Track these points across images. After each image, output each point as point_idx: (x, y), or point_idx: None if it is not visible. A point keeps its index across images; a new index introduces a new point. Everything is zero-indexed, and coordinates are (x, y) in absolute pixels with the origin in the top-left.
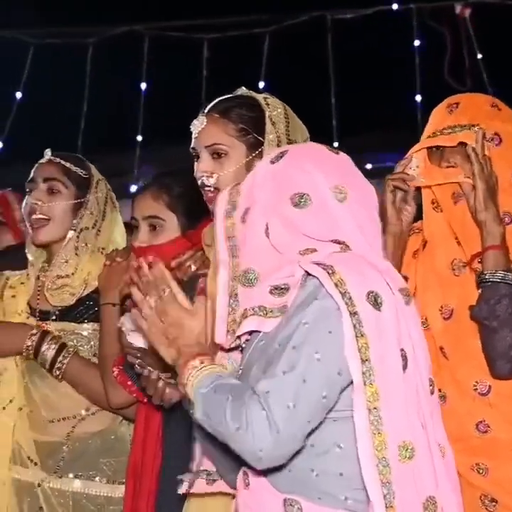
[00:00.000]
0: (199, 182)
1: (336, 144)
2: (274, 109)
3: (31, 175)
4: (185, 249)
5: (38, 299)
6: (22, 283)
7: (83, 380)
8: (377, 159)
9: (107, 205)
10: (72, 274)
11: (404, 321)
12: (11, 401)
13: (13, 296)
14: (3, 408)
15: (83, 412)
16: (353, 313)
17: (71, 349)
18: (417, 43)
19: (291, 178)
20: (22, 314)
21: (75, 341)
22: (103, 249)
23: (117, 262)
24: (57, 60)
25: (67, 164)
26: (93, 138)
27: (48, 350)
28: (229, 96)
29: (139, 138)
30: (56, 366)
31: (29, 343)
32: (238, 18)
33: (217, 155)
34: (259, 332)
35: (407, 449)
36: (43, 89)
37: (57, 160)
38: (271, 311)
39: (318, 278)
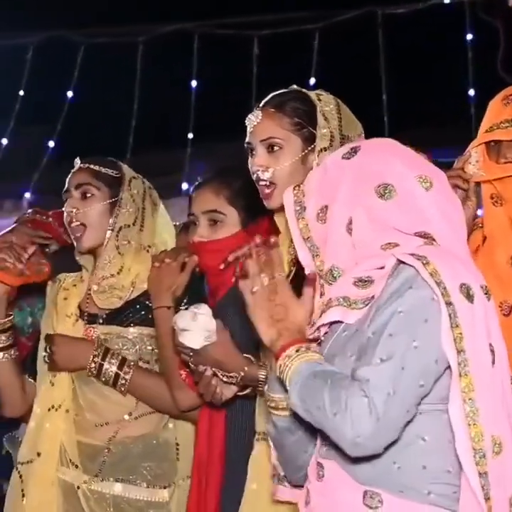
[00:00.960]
0: (254, 176)
1: None
2: (327, 104)
3: (66, 185)
4: (245, 244)
5: (88, 302)
6: (74, 285)
7: (148, 390)
8: (430, 155)
9: (146, 202)
10: (118, 273)
11: (489, 317)
12: (60, 405)
13: (66, 299)
14: (56, 410)
15: (126, 417)
16: (448, 304)
17: (132, 363)
18: (469, 36)
19: (372, 170)
20: (71, 317)
21: (120, 345)
22: (149, 247)
23: (166, 263)
24: (107, 59)
25: (97, 167)
26: (144, 137)
27: (110, 367)
28: (283, 91)
29: (190, 136)
30: (119, 382)
31: (92, 365)
32: (288, 14)
33: (272, 149)
34: (341, 323)
35: (495, 444)
36: (93, 88)
37: (87, 165)
38: (354, 303)
39: (414, 266)
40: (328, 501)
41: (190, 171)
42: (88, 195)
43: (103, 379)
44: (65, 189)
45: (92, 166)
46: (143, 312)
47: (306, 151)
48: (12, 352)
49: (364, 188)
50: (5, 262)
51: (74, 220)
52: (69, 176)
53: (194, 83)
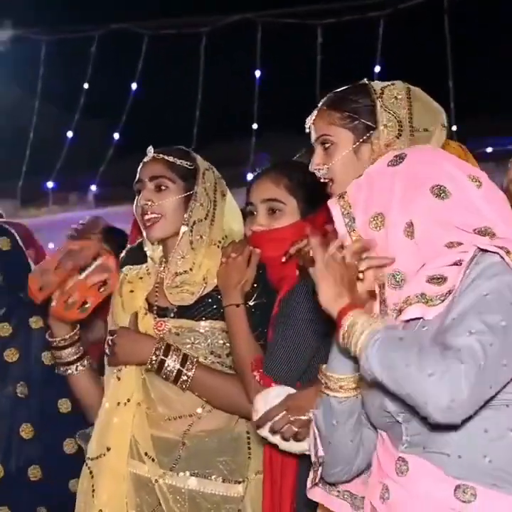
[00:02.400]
0: (317, 176)
1: (454, 128)
2: (390, 97)
3: (137, 175)
4: (304, 234)
5: (157, 296)
6: (140, 278)
7: (211, 388)
8: (498, 142)
9: (217, 194)
10: (190, 269)
11: None
12: (128, 399)
13: (132, 291)
14: (124, 404)
15: (199, 411)
16: None
17: (195, 360)
18: None
19: (423, 174)
20: (140, 310)
21: (192, 338)
22: (219, 242)
23: (233, 258)
24: (171, 50)
25: (171, 159)
26: (208, 127)
27: (173, 363)
28: (343, 87)
29: (255, 126)
30: (181, 379)
31: (154, 358)
32: (352, 2)
33: (325, 147)
34: (418, 320)
35: None
36: (157, 80)
37: (161, 156)
38: (431, 299)
39: (498, 253)
40: (414, 496)
41: (255, 162)
42: (163, 187)
43: (164, 375)
44: (137, 179)
45: (166, 157)
46: (215, 306)
47: (358, 143)
48: (85, 362)
49: (419, 191)
50: (70, 298)
51: (149, 212)
52: (141, 166)
53: (258, 73)
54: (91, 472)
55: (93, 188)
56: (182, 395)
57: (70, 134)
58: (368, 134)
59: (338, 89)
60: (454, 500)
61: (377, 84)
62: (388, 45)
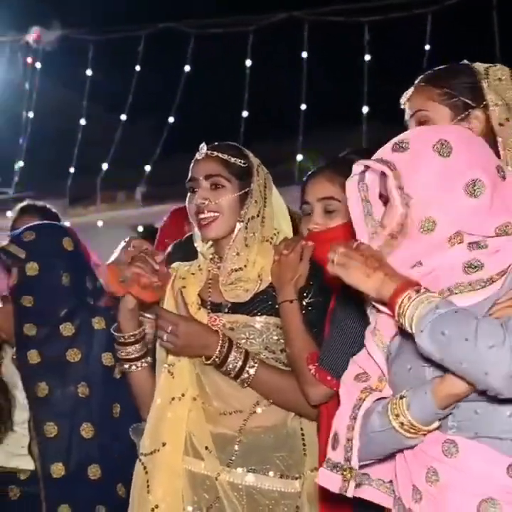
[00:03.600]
0: None
1: None
2: (494, 78)
3: (190, 173)
4: None
5: (210, 291)
6: (192, 274)
7: (271, 386)
8: None
9: (267, 191)
10: (245, 266)
11: None
12: (183, 394)
13: (184, 287)
14: (179, 399)
15: (254, 406)
16: None
17: (256, 357)
18: None
19: (463, 166)
20: (193, 306)
21: (247, 334)
22: (271, 238)
23: (285, 255)
24: (218, 49)
25: (226, 156)
26: (255, 125)
27: (236, 360)
28: (443, 66)
29: (301, 124)
30: (243, 376)
31: (217, 354)
32: None
33: (420, 122)
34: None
35: None
36: (204, 79)
37: (215, 154)
38: (469, 285)
39: None
40: (467, 476)
41: (303, 160)
42: (219, 186)
43: (224, 369)
44: (190, 177)
45: (220, 155)
46: (269, 302)
47: (456, 120)
48: (148, 359)
49: (454, 185)
50: (141, 278)
51: (205, 211)
52: (194, 163)
53: (305, 71)
54: (145, 468)
55: (140, 187)
56: (238, 390)
57: (117, 133)
58: (466, 112)
59: (437, 68)
60: (508, 478)
61: (479, 65)
62: (435, 42)
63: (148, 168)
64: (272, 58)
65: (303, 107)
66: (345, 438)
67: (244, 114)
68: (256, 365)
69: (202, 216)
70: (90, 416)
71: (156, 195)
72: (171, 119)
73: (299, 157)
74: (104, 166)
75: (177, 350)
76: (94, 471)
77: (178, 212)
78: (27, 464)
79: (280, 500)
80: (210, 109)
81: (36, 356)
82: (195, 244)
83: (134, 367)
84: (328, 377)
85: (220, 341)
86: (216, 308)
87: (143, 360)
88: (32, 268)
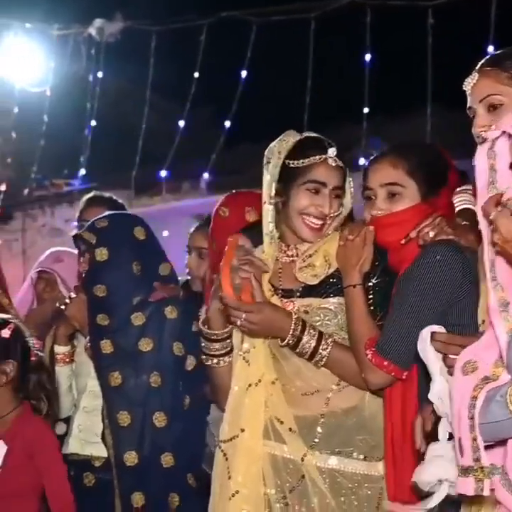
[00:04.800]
0: (479, 139)
1: None
2: None
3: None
4: (425, 216)
5: (280, 278)
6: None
7: (345, 366)
8: None
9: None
10: (315, 251)
11: None
12: (259, 380)
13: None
14: (256, 385)
15: (334, 387)
16: None
17: (329, 338)
18: None
19: None
20: (266, 293)
21: (321, 316)
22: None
23: (350, 240)
24: (280, 36)
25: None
26: (319, 112)
27: (309, 342)
28: (502, 50)
29: (366, 110)
30: (316, 357)
31: (290, 337)
32: None
33: (493, 107)
34: None
35: None
36: (267, 66)
37: (340, 164)
38: None
39: None
40: None
41: (367, 146)
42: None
43: (298, 351)
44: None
45: (342, 167)
46: (339, 285)
47: None
48: (232, 354)
49: None
50: (250, 283)
51: (327, 218)
52: (323, 168)
53: (368, 57)
54: (225, 454)
55: (205, 176)
56: (316, 370)
57: (181, 123)
58: None
59: (497, 52)
60: None
61: None
62: (501, 25)
63: (212, 157)
64: (334, 44)
65: (366, 92)
66: (471, 439)
67: (308, 100)
68: (329, 346)
69: (321, 222)
70: (162, 405)
71: (221, 184)
72: (235, 108)
73: (363, 143)
74: (169, 156)
75: (254, 334)
76: (167, 460)
77: (237, 198)
78: (101, 451)
79: (363, 483)
80: (274, 96)
81: (109, 346)
82: (266, 232)
83: (221, 362)
84: (385, 363)
85: (293, 324)
86: (288, 294)
87: (229, 355)
88: (101, 253)
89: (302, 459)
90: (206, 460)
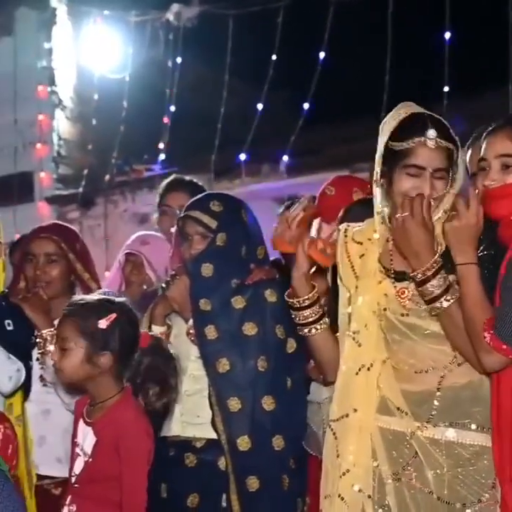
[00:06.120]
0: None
1: None
2: None
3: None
4: None
5: (391, 259)
6: (369, 239)
7: (456, 329)
8: None
9: None
10: None
11: None
12: (372, 364)
13: (363, 255)
14: (368, 369)
15: (449, 364)
16: None
17: (456, 293)
18: None
19: None
20: (376, 275)
21: None
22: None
23: (461, 214)
24: (358, 16)
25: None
26: (398, 93)
27: (435, 287)
28: None
29: (446, 89)
30: (435, 304)
31: (421, 271)
32: None
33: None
34: None
35: None
36: (345, 47)
37: (444, 144)
38: None
39: None
40: None
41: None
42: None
43: (420, 289)
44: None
45: (449, 146)
46: (449, 265)
47: None
48: (326, 319)
49: None
50: (317, 242)
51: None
52: (424, 151)
53: (447, 35)
54: (334, 434)
55: (285, 158)
56: (432, 349)
57: (259, 106)
58: None
59: None
60: None
61: None
62: None
63: (291, 139)
64: (413, 23)
65: (446, 71)
66: None
67: (387, 79)
68: (452, 300)
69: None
70: (270, 389)
71: (300, 166)
72: (312, 89)
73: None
74: (248, 139)
75: (397, 236)
76: (278, 443)
77: (345, 179)
78: (202, 432)
79: (481, 454)
80: (352, 77)
81: (214, 331)
82: (378, 208)
83: (313, 330)
84: (504, 347)
85: (431, 262)
86: (400, 277)
87: (321, 322)
88: (221, 239)
89: (413, 434)
90: (307, 439)
